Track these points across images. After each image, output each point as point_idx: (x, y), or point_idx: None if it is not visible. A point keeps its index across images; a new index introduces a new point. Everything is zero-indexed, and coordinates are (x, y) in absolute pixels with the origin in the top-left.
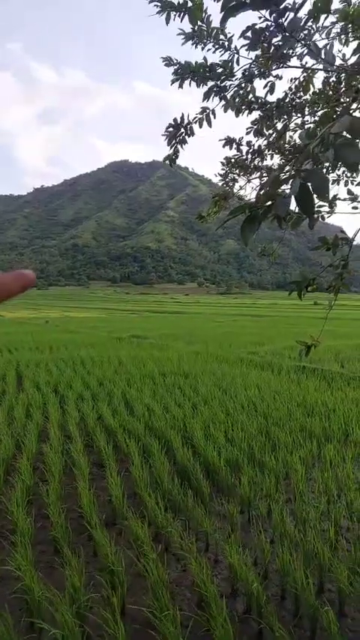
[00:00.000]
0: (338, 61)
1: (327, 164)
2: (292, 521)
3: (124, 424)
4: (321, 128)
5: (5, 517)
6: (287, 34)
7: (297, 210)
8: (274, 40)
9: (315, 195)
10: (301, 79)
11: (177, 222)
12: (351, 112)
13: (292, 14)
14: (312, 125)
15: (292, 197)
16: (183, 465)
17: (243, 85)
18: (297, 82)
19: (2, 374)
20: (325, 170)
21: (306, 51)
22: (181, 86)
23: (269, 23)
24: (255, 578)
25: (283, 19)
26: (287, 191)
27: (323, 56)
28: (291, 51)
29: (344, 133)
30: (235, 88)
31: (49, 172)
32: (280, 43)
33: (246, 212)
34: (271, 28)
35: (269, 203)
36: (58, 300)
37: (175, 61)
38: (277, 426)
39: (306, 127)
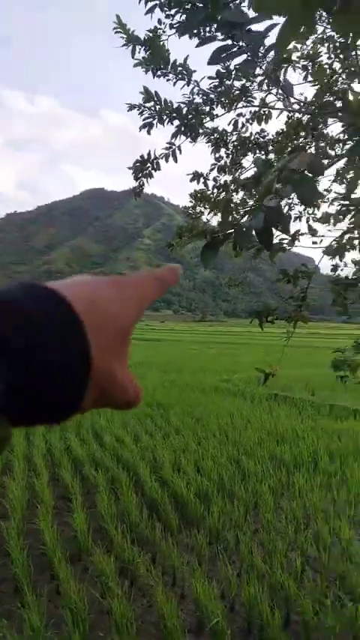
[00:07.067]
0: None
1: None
2: (261, 552)
3: (92, 455)
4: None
5: None
6: (249, 57)
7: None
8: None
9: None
10: (261, 113)
11: (153, 250)
12: (307, 149)
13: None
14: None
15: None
16: (151, 497)
17: (206, 123)
18: (255, 114)
19: None
20: (288, 207)
21: (266, 94)
22: (149, 132)
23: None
24: (221, 612)
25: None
26: (247, 221)
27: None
28: (253, 87)
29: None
30: (200, 127)
31: (22, 199)
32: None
33: (207, 237)
34: (234, 49)
35: (230, 231)
36: None
37: (137, 105)
38: (247, 454)
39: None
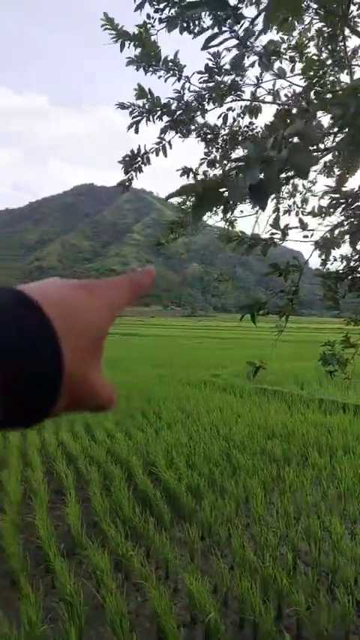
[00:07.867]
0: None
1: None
2: (252, 546)
3: (85, 450)
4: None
5: None
6: (241, 43)
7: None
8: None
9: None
10: (252, 106)
11: (142, 245)
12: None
13: (246, 24)
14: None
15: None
16: (144, 492)
17: (197, 117)
18: (246, 107)
19: None
20: (276, 200)
21: (256, 87)
22: (136, 131)
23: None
24: (214, 606)
25: (239, 27)
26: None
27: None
28: (243, 81)
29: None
30: (190, 124)
31: (12, 195)
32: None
33: (201, 191)
34: (227, 35)
35: (222, 190)
36: None
37: (128, 104)
38: (238, 449)
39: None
